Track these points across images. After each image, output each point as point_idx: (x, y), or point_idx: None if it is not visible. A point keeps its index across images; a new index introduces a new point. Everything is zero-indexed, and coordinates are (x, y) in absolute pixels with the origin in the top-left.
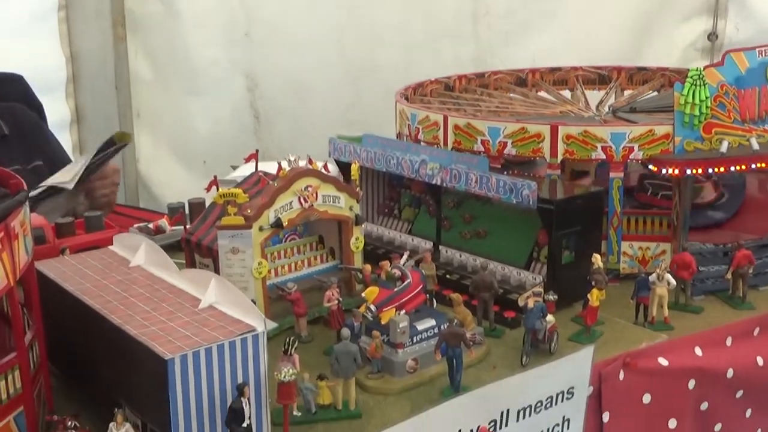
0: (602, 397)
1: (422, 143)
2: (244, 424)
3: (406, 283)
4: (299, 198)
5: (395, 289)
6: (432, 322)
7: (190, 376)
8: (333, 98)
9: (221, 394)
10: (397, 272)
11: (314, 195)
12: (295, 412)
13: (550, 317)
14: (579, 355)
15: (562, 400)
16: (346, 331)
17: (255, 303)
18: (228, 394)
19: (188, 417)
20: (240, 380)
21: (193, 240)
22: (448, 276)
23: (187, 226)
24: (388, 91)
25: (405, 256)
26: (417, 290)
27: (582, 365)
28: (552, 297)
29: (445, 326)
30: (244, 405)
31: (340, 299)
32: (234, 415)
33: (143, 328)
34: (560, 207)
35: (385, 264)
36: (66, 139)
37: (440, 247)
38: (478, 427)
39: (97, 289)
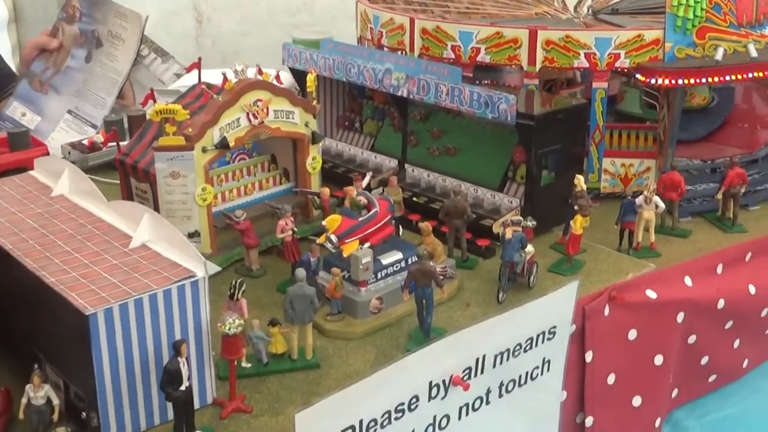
0: (586, 335)
1: (386, 49)
2: (182, 387)
3: (372, 212)
4: (248, 114)
5: (360, 219)
6: (399, 255)
7: (117, 333)
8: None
9: (156, 351)
10: (363, 200)
11: (265, 110)
12: (244, 364)
13: (529, 248)
14: (563, 291)
15: (543, 341)
16: (301, 272)
17: (200, 234)
18: (164, 351)
19: (116, 379)
20: (178, 335)
21: (128, 162)
22: (414, 199)
23: (123, 144)
24: None
25: (367, 177)
26: (384, 221)
27: (566, 302)
28: (531, 223)
29: (413, 260)
30: (181, 365)
31: (295, 229)
32: (169, 377)
33: (63, 275)
34: (541, 122)
35: (350, 190)
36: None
37: (405, 165)
38: (451, 376)
39: (11, 224)
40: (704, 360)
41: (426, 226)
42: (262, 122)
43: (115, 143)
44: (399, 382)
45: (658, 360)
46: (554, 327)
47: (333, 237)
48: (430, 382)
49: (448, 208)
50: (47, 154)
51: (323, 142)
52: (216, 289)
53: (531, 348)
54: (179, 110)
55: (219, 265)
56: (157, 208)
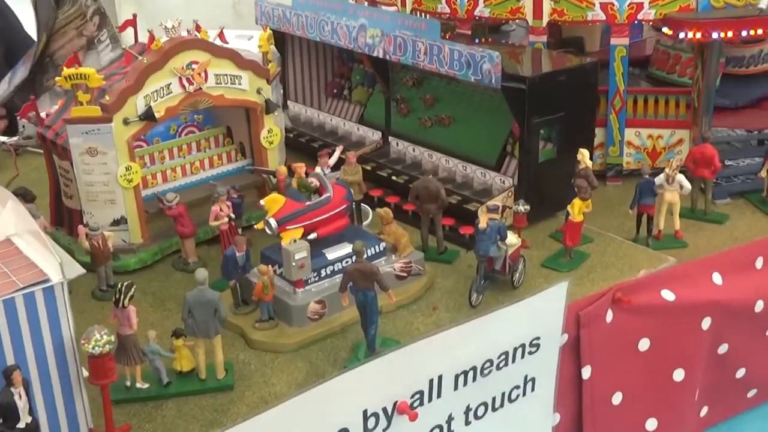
0: (581, 346)
1: (379, 5)
2: (20, 425)
3: (324, 197)
4: (180, 79)
5: (308, 204)
6: (348, 249)
7: None
8: None
9: None
10: (315, 182)
11: (202, 74)
12: (138, 384)
13: (511, 239)
14: (548, 293)
15: (524, 356)
16: (201, 273)
17: (127, 221)
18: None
19: None
20: (29, 355)
21: (48, 136)
22: (394, 178)
23: (45, 116)
24: None
25: (336, 152)
26: (338, 210)
27: (553, 307)
28: (522, 208)
29: (353, 260)
30: (16, 397)
31: (232, 216)
32: (2, 413)
33: None
34: (535, 86)
35: (299, 168)
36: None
37: (390, 138)
38: (395, 403)
39: None
40: (740, 373)
41: (385, 212)
42: (200, 89)
43: (33, 115)
44: (323, 411)
45: (678, 375)
46: (537, 338)
47: (272, 221)
48: (365, 411)
49: (418, 190)
50: None
51: (304, 111)
52: (144, 287)
53: (507, 364)
54: (92, 74)
55: (152, 257)
56: None
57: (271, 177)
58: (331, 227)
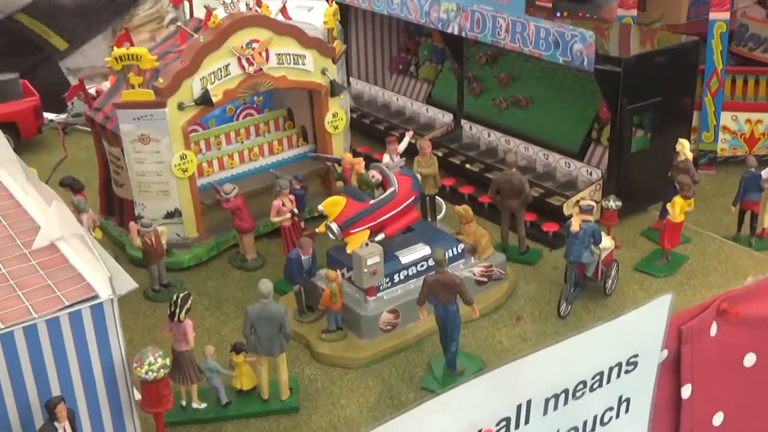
0: (682, 363)
1: None
2: None
3: (388, 192)
4: (239, 59)
5: (371, 202)
6: (426, 251)
7: None
8: None
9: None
10: (377, 176)
11: (263, 54)
12: (195, 405)
13: (606, 242)
14: (649, 308)
15: (619, 375)
16: (265, 286)
17: (181, 213)
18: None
19: None
20: (76, 379)
21: (98, 120)
22: (468, 166)
23: (95, 94)
24: None
25: (406, 138)
26: (405, 204)
27: (654, 323)
28: (614, 204)
29: (453, 254)
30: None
31: (296, 211)
32: None
33: None
34: (632, 68)
35: (357, 164)
36: None
37: (462, 121)
38: (480, 431)
39: None
40: None
41: (465, 210)
42: (260, 69)
43: (82, 95)
44: None
45: None
46: (635, 356)
47: (334, 226)
48: None
49: (499, 184)
50: (39, 105)
51: (368, 89)
52: (200, 286)
53: (601, 385)
54: (144, 55)
55: (208, 252)
56: None
57: (336, 165)
58: (399, 224)
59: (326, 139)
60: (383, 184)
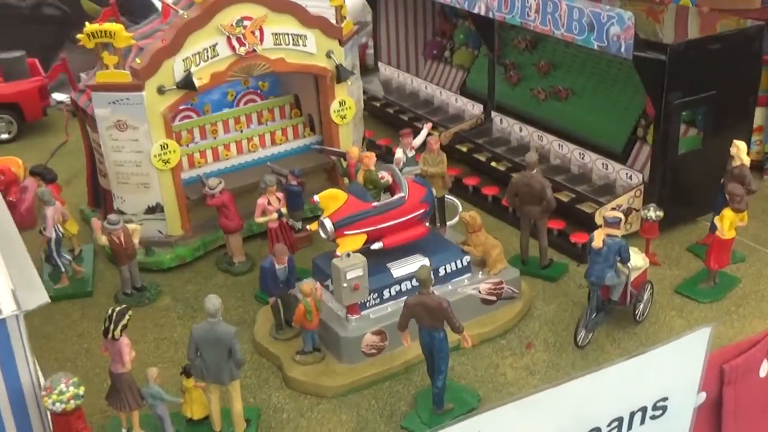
0: (724, 408)
1: None
2: None
3: (396, 197)
4: (229, 38)
5: (375, 204)
6: (424, 263)
7: None
8: None
9: None
10: (386, 177)
11: (256, 33)
12: None
13: (636, 261)
14: (683, 343)
15: (643, 422)
16: (211, 302)
17: (164, 209)
18: None
19: None
20: None
21: (80, 104)
22: (494, 164)
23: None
24: None
25: (423, 132)
26: (413, 215)
27: (688, 360)
28: (654, 214)
29: (460, 266)
30: None
31: (284, 211)
32: None
33: None
34: (679, 57)
35: (367, 158)
36: None
37: (492, 114)
38: None
39: None
40: None
41: (472, 218)
42: (254, 51)
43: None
44: None
45: None
46: (663, 399)
47: (327, 223)
48: None
49: (517, 186)
50: (45, 86)
51: (397, 76)
52: (178, 291)
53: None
54: (118, 31)
55: (192, 253)
56: None
57: (341, 160)
58: (402, 236)
59: (332, 130)
60: (392, 189)
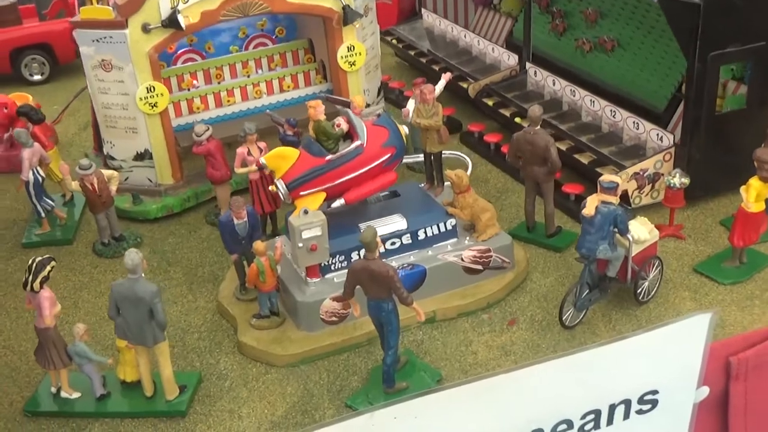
0: (731, 407)
1: None
2: None
3: (352, 147)
4: None
5: (328, 158)
6: (401, 225)
7: None
8: None
9: None
10: (342, 125)
11: None
12: (65, 393)
13: (640, 232)
14: (676, 328)
15: (627, 416)
16: (130, 257)
17: (152, 156)
18: None
19: None
20: None
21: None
22: (518, 120)
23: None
24: None
25: (441, 82)
26: (376, 163)
27: (684, 348)
28: (677, 181)
29: (446, 228)
30: None
31: (264, 162)
32: None
33: None
34: (715, 2)
35: (314, 108)
36: None
37: (527, 65)
38: None
39: None
40: None
41: (458, 176)
42: None
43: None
44: None
45: None
46: (652, 392)
47: (281, 184)
48: None
49: (520, 145)
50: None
51: (437, 23)
52: (158, 243)
53: (599, 427)
54: None
55: (181, 203)
56: None
57: (346, 110)
58: (367, 189)
59: (340, 77)
60: (350, 135)
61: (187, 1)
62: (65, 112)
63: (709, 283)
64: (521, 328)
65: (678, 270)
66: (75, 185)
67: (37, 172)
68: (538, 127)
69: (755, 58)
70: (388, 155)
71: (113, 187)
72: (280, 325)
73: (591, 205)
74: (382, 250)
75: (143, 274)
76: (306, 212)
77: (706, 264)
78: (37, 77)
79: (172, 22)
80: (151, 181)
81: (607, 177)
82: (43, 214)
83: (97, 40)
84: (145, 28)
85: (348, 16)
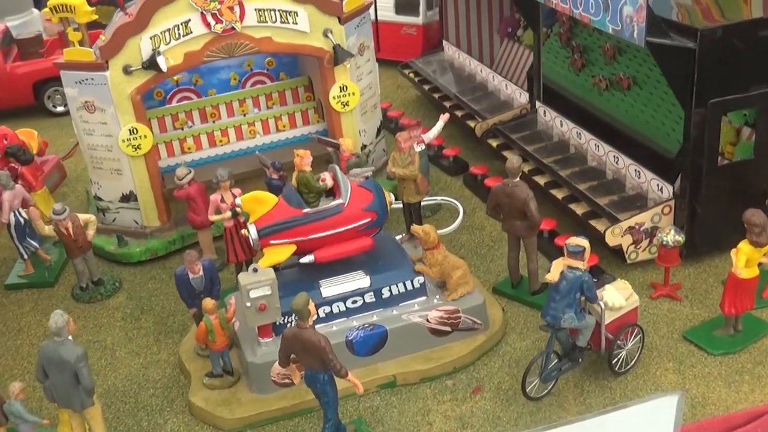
0: None
1: None
2: None
3: (332, 204)
4: (203, 14)
5: (305, 210)
6: (363, 282)
7: None
8: None
9: None
10: (327, 180)
11: (236, 9)
12: None
13: (614, 299)
14: (642, 411)
15: None
16: (55, 319)
17: (137, 198)
18: None
19: None
20: None
21: None
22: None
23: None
24: None
25: (439, 123)
26: (353, 226)
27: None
28: (671, 239)
29: (372, 306)
30: None
31: (238, 210)
32: None
33: None
34: (714, 44)
35: (300, 158)
36: None
37: (537, 104)
38: None
39: None
40: None
41: (425, 232)
42: (232, 28)
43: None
44: None
45: None
46: None
47: (252, 230)
48: None
49: (497, 196)
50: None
51: (457, 56)
52: (135, 289)
53: None
54: (79, 6)
55: (166, 246)
56: None
57: (336, 152)
58: (339, 250)
59: (333, 118)
60: (333, 192)
61: (169, 43)
62: (76, 147)
63: (697, 352)
64: (485, 397)
65: (666, 336)
66: (48, 230)
67: (19, 213)
68: (517, 179)
69: (763, 105)
70: (368, 219)
71: (90, 232)
72: (232, 385)
73: (555, 270)
74: (341, 309)
75: (71, 337)
76: (255, 270)
77: (697, 330)
78: (60, 109)
79: (152, 64)
80: (137, 222)
81: (573, 240)
82: (26, 256)
83: (80, 82)
84: (126, 70)
85: (338, 55)
